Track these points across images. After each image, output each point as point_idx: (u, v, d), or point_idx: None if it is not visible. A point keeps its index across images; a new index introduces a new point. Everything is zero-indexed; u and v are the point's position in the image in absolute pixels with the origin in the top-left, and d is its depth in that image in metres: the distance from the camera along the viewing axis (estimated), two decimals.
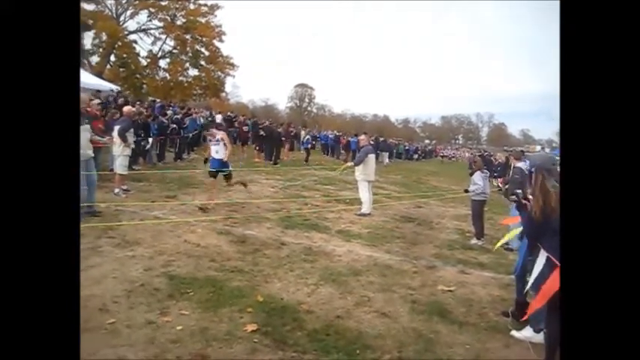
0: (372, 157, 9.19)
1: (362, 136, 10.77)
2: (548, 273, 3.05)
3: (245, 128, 19.02)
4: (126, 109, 9.27)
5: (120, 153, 8.14)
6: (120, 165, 8.20)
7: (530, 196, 3.34)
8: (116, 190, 8.10)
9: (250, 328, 3.46)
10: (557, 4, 1.80)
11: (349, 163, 10.20)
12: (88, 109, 6.78)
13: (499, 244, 5.01)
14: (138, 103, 15.10)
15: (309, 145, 22.16)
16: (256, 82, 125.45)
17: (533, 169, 3.32)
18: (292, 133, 22.02)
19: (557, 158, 3.08)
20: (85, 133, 6.54)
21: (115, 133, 8.07)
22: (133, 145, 8.89)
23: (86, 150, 6.51)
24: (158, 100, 20.55)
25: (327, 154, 27.77)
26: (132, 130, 8.82)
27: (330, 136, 30.34)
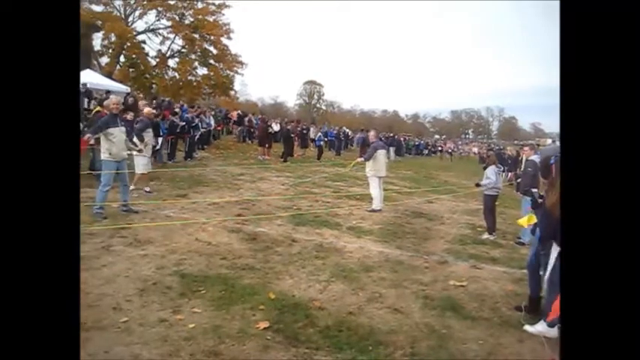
0: (382, 152, 9.14)
1: (371, 132, 10.70)
2: None
3: (269, 129, 18.59)
4: (146, 110, 9.31)
5: (137, 152, 8.19)
6: (139, 164, 8.27)
7: (545, 190, 3.29)
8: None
9: (262, 325, 3.47)
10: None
11: (359, 159, 10.17)
12: (117, 112, 6.75)
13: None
14: (154, 106, 15.11)
15: (322, 143, 22.08)
16: (265, 80, 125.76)
17: (552, 162, 3.26)
18: (304, 131, 21.93)
19: None
20: (122, 135, 6.64)
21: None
22: (150, 145, 8.94)
23: (120, 152, 6.60)
24: (168, 99, 20.59)
25: (338, 154, 27.48)
26: (150, 130, 8.85)
27: (334, 132, 30.02)
